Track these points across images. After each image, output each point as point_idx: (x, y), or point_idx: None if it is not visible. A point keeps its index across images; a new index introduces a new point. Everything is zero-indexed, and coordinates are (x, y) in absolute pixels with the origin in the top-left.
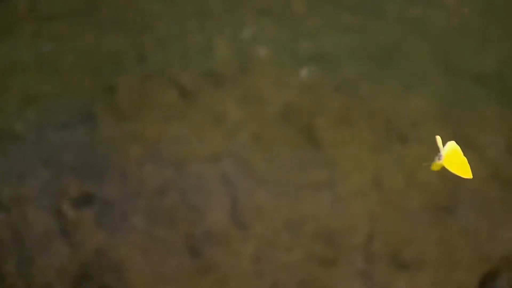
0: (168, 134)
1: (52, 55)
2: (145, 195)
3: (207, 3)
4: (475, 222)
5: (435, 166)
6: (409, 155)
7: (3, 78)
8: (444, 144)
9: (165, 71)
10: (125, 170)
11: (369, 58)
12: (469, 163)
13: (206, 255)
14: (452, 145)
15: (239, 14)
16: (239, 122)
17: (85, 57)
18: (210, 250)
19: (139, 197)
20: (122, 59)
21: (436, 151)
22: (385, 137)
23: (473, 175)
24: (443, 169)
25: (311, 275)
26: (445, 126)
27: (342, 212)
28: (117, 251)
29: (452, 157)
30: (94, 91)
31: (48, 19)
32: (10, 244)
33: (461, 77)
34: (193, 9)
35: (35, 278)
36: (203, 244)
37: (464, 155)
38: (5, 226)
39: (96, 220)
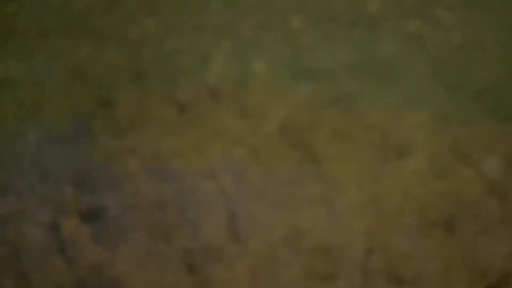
0: (166, 149)
1: (49, 70)
2: (143, 210)
3: (205, 18)
4: (473, 238)
5: None
6: (407, 170)
7: (0, 94)
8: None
9: (162, 86)
10: (123, 185)
11: (366, 73)
12: (466, 178)
13: (203, 271)
14: None
15: (237, 29)
16: (237, 137)
17: (82, 72)
18: (207, 265)
19: (136, 212)
20: (119, 74)
21: None
22: (382, 152)
23: (470, 191)
24: (441, 185)
25: None
26: (442, 142)
27: (340, 228)
28: (114, 266)
29: None
30: (91, 106)
31: (45, 35)
32: (6, 259)
33: (458, 92)
34: (191, 24)
35: None
36: (200, 260)
37: (461, 170)
38: (1, 242)
39: (93, 235)
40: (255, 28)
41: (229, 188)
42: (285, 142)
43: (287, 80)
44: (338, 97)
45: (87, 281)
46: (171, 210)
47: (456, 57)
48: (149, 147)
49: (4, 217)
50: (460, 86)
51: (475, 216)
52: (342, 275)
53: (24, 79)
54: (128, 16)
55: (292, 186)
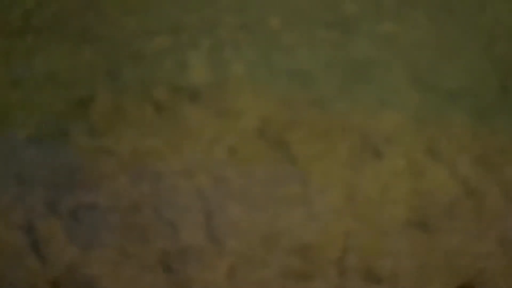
0: (143, 149)
1: (23, 70)
2: (119, 210)
3: (182, 18)
4: (448, 237)
5: None
6: (384, 170)
7: None
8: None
9: (139, 86)
10: (99, 186)
11: (344, 74)
12: (441, 178)
13: (180, 271)
14: None
15: (214, 29)
16: (215, 137)
17: (57, 71)
18: (184, 266)
19: (112, 213)
20: (95, 74)
21: None
22: (360, 152)
23: (445, 191)
24: (416, 184)
25: None
26: (418, 141)
27: (317, 227)
28: (90, 267)
29: None
30: (66, 106)
31: (19, 35)
32: None
33: (434, 93)
34: (168, 24)
35: None
36: (177, 260)
37: (437, 170)
38: None
39: (68, 235)
40: (233, 28)
41: (207, 188)
42: (263, 142)
43: (265, 80)
44: (316, 97)
45: (62, 281)
46: (148, 211)
47: (432, 59)
48: (126, 147)
49: None
50: (435, 87)
51: (450, 215)
52: (319, 275)
53: None
54: (105, 15)
55: (270, 186)
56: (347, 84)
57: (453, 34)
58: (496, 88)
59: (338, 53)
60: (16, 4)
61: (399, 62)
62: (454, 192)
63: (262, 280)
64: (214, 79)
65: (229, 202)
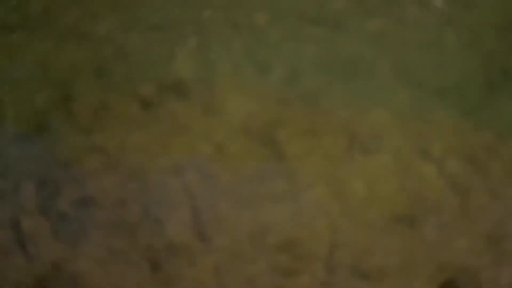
0: (129, 146)
1: (7, 66)
2: (105, 207)
3: (169, 15)
4: (434, 232)
5: None
6: (371, 166)
7: None
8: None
9: (126, 82)
10: (85, 182)
11: (331, 71)
12: (428, 174)
13: (167, 268)
14: None
15: (201, 25)
16: (202, 133)
17: (42, 67)
18: (171, 263)
19: (98, 209)
20: (81, 70)
21: None
22: (347, 148)
23: (431, 187)
24: (404, 181)
25: (273, 285)
26: (405, 138)
27: (305, 223)
28: (76, 264)
29: None
30: (52, 102)
31: (4, 31)
32: None
33: (422, 90)
34: (155, 21)
35: None
36: (164, 257)
37: (424, 166)
38: None
39: (54, 232)
40: (220, 24)
41: (194, 185)
42: (250, 138)
43: (252, 77)
44: (303, 94)
45: (48, 278)
46: (135, 207)
47: (419, 56)
48: (112, 143)
49: None
50: (422, 84)
51: (437, 211)
52: (306, 271)
53: None
54: (90, 12)
55: (257, 182)
56: (335, 81)
57: (441, 32)
58: (482, 85)
59: (326, 50)
60: (1, 0)
61: (387, 59)
62: (440, 188)
63: (250, 276)
64: (201, 75)
65: (217, 198)
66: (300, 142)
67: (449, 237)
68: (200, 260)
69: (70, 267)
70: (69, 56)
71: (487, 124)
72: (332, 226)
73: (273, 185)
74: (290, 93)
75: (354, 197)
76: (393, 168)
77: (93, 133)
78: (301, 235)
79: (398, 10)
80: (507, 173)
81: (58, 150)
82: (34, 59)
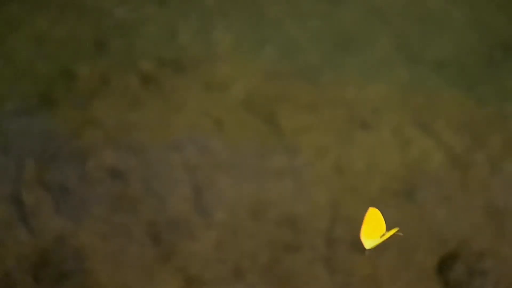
0: (130, 121)
1: (8, 40)
2: (106, 182)
3: None
4: (434, 206)
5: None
6: (370, 141)
7: None
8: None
9: (125, 57)
10: (86, 157)
11: (331, 45)
12: (428, 148)
13: (168, 242)
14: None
15: (201, 1)
16: (202, 108)
17: (42, 42)
18: (171, 237)
19: (100, 184)
20: (80, 45)
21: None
22: (347, 123)
23: (431, 160)
24: (403, 155)
25: (274, 260)
26: (405, 113)
27: (305, 198)
28: (77, 238)
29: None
30: (52, 77)
31: (3, 3)
32: None
33: (421, 64)
34: None
35: None
36: (164, 232)
37: (423, 140)
38: None
39: (56, 207)
40: (220, 0)
41: (194, 160)
42: (250, 114)
43: (252, 52)
44: (302, 69)
45: (50, 252)
46: (136, 183)
47: (419, 30)
48: (112, 119)
49: None
50: (422, 58)
51: (436, 185)
52: (306, 245)
53: None
54: None
55: (257, 158)
56: (335, 55)
57: (441, 6)
58: (483, 59)
59: (326, 25)
60: None
61: (387, 33)
62: (440, 162)
63: (250, 250)
64: (201, 51)
65: (217, 174)
66: (299, 117)
67: (450, 211)
68: (201, 234)
69: (72, 241)
70: (68, 30)
71: (487, 97)
72: (332, 201)
73: (273, 160)
74: (290, 68)
75: (354, 172)
76: (393, 142)
77: (92, 109)
78: (302, 210)
79: None
80: (507, 146)
81: (59, 125)
82: (33, 34)
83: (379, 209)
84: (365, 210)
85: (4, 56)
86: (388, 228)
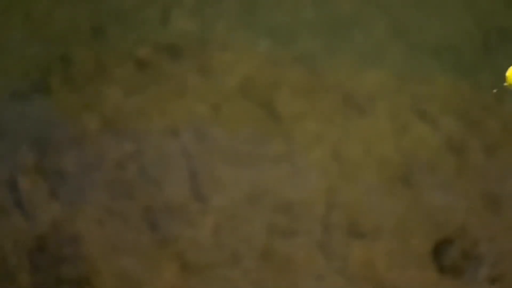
0: (126, 107)
1: (3, 26)
2: (103, 168)
3: None
4: (430, 191)
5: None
6: (367, 127)
7: None
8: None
9: (122, 42)
10: (82, 143)
11: (327, 31)
12: (424, 134)
13: (165, 228)
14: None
15: None
16: (198, 95)
17: (38, 27)
18: (169, 223)
19: (96, 170)
20: (77, 30)
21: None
22: (343, 110)
23: (428, 146)
24: (400, 141)
25: (270, 246)
26: (401, 99)
27: (301, 184)
28: (74, 224)
29: None
30: (48, 62)
31: None
32: None
33: (418, 50)
34: None
35: None
36: (162, 217)
37: (420, 126)
38: None
39: (52, 192)
40: None
41: (191, 146)
42: (246, 100)
43: (248, 38)
44: (299, 55)
45: (47, 238)
46: (132, 168)
47: (416, 15)
48: (109, 104)
49: None
50: (418, 44)
51: (432, 170)
52: (302, 231)
53: None
54: None
55: (254, 144)
56: (331, 42)
57: None
58: (479, 45)
59: (321, 10)
60: None
61: (383, 19)
62: (437, 148)
63: (247, 236)
64: (197, 36)
65: (213, 159)
66: (296, 104)
67: (445, 196)
68: (198, 220)
69: (68, 227)
70: (65, 16)
71: (483, 83)
72: (328, 187)
73: (270, 146)
74: (286, 54)
75: (350, 158)
76: (389, 128)
77: (89, 94)
78: (298, 196)
79: None
80: (504, 132)
81: (54, 110)
82: (29, 18)
83: (375, 195)
84: (361, 196)
85: (0, 41)
86: None
